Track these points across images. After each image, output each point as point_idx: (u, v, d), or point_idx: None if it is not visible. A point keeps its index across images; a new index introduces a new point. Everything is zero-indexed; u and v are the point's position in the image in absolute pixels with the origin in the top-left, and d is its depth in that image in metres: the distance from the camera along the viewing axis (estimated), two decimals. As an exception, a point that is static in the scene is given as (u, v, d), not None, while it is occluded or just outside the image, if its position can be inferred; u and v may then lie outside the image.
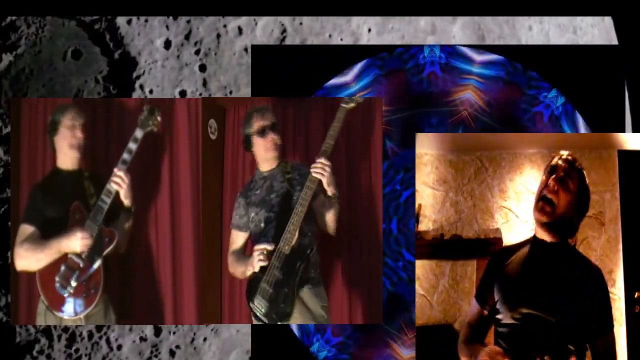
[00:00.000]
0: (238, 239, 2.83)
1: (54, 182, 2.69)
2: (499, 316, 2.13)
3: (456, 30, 2.73)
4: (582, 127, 2.67)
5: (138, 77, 2.58)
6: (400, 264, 2.69)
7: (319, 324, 2.66)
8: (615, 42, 2.92)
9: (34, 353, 2.55)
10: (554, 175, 2.10)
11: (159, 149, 3.09)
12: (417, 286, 2.95)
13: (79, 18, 2.49)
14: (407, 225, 2.69)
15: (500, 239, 3.02)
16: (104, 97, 2.59)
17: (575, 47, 2.80)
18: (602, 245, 3.00)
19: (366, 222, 3.12)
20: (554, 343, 2.05)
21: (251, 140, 2.79)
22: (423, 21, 2.68)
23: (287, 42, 2.65)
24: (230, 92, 2.68)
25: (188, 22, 2.53)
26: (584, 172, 2.15)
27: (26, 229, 2.59)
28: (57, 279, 2.57)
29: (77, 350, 2.57)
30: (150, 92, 2.61)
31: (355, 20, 2.57)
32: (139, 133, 2.70)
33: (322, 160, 2.58)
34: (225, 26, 2.58)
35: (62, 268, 2.58)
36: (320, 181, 2.58)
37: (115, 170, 2.64)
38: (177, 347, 2.62)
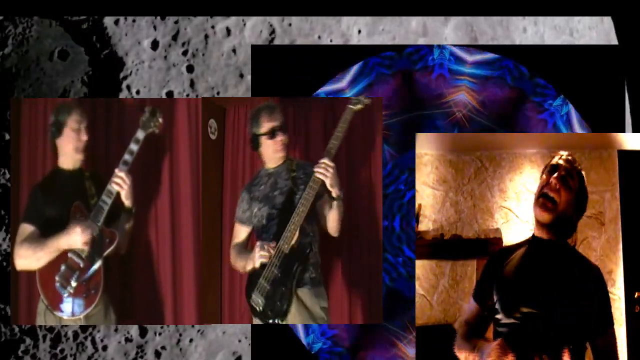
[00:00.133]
0: (241, 232, 2.84)
1: (54, 182, 2.69)
2: (498, 316, 2.13)
3: (448, 32, 2.73)
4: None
5: (125, 78, 2.58)
6: (400, 260, 2.69)
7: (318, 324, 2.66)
8: (613, 43, 2.92)
9: (19, 353, 2.55)
10: (555, 174, 2.11)
11: (159, 149, 3.09)
12: (417, 286, 2.95)
13: (66, 18, 2.49)
14: (409, 223, 2.69)
15: (500, 239, 3.02)
16: (91, 97, 2.58)
17: (575, 47, 2.80)
18: (602, 245, 3.00)
19: (366, 222, 3.12)
20: (553, 342, 2.05)
21: (259, 141, 2.77)
22: (414, 22, 2.68)
23: (276, 43, 2.64)
24: (218, 93, 2.67)
25: (176, 22, 2.52)
26: (583, 173, 2.16)
27: (26, 229, 2.58)
28: (57, 278, 2.57)
29: (62, 351, 2.57)
30: (137, 92, 2.60)
31: (345, 21, 2.56)
32: (140, 134, 2.69)
33: (326, 160, 2.57)
34: (213, 27, 2.57)
35: (63, 268, 2.58)
36: (323, 182, 2.58)
37: (117, 171, 2.64)
38: (163, 348, 2.61)
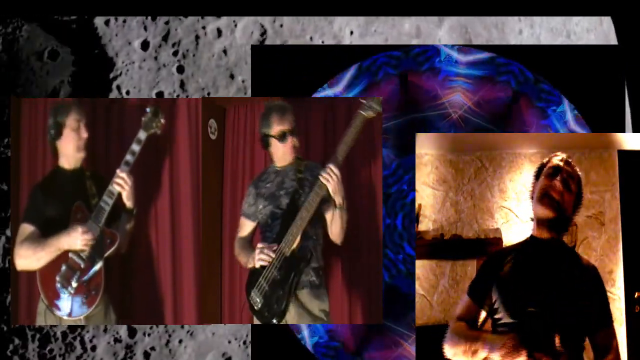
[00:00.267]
0: (246, 226, 2.83)
1: (54, 182, 2.69)
2: (498, 315, 2.13)
3: (442, 34, 2.72)
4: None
5: (115, 78, 2.57)
6: (400, 257, 2.70)
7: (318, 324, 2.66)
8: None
9: (8, 353, 2.54)
10: (558, 177, 2.14)
11: (159, 149, 3.09)
12: (417, 286, 2.95)
13: (56, 18, 2.48)
14: (412, 222, 2.70)
15: (500, 239, 3.02)
16: (80, 97, 2.58)
17: (575, 48, 2.80)
18: (602, 245, 3.00)
19: (366, 221, 3.12)
20: (553, 341, 2.06)
21: (269, 141, 2.75)
22: (407, 24, 2.67)
23: (267, 44, 2.63)
24: (209, 94, 2.67)
25: (166, 23, 2.51)
26: (581, 174, 2.19)
27: (26, 229, 2.58)
28: (57, 278, 2.57)
29: (51, 351, 2.56)
30: (127, 93, 2.60)
31: (338, 22, 2.56)
32: (142, 135, 2.68)
33: (331, 166, 2.55)
34: (204, 28, 2.56)
35: (63, 268, 2.58)
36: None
37: (118, 171, 2.63)
38: (152, 348, 2.61)
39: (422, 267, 3.01)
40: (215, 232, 3.38)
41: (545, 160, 2.23)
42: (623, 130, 2.76)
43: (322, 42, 2.64)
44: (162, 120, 2.71)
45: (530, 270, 2.16)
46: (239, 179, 3.39)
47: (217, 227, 3.40)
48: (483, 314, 2.17)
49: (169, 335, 2.63)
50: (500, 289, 2.15)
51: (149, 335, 2.61)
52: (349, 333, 2.70)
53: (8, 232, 2.59)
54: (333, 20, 2.59)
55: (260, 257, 2.59)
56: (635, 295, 2.91)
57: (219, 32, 2.55)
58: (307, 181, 2.68)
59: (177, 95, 2.65)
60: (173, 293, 3.09)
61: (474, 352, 2.10)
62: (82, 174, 2.71)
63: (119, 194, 2.63)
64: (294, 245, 2.58)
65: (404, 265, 2.70)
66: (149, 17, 2.50)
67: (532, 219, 2.23)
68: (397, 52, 2.68)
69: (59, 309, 2.57)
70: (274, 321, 2.58)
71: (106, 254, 2.61)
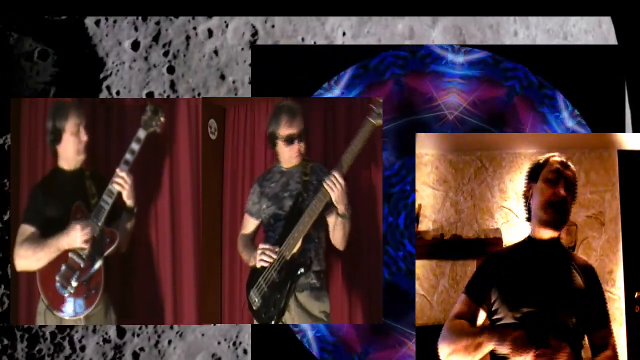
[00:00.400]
0: (249, 224, 2.83)
1: (54, 182, 2.68)
2: (498, 315, 2.13)
3: (436, 35, 2.72)
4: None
5: (105, 79, 2.57)
6: (400, 254, 2.70)
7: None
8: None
9: None
10: (560, 183, 2.15)
11: (159, 149, 3.09)
12: (417, 286, 2.95)
13: (47, 18, 2.47)
14: (414, 221, 2.70)
15: (500, 239, 3.01)
16: (71, 98, 2.57)
17: (575, 48, 2.80)
18: (602, 245, 3.00)
19: (366, 221, 3.12)
20: (552, 340, 2.07)
21: (276, 142, 2.72)
22: (400, 25, 2.66)
23: (270, 44, 2.63)
24: (199, 94, 2.67)
25: (157, 23, 2.50)
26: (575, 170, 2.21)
27: (26, 229, 2.58)
28: (57, 278, 2.57)
29: (39, 351, 2.56)
30: (117, 93, 2.60)
31: (330, 23, 2.55)
32: (141, 133, 2.67)
33: (335, 174, 2.54)
34: (195, 28, 2.56)
35: (63, 268, 2.58)
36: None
37: (118, 170, 2.63)
38: (141, 349, 2.61)
39: (422, 267, 3.01)
40: (215, 232, 3.38)
41: (541, 160, 2.23)
42: (623, 130, 2.76)
43: (314, 42, 2.64)
44: (162, 119, 2.71)
45: (529, 270, 2.16)
46: (239, 179, 3.39)
47: (217, 227, 3.40)
48: (482, 314, 2.17)
49: (158, 336, 2.62)
50: (500, 289, 2.15)
51: (138, 335, 2.60)
52: (354, 334, 2.70)
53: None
54: (325, 21, 2.59)
55: (262, 258, 2.59)
56: (635, 295, 2.91)
57: (210, 32, 2.54)
58: (311, 185, 2.66)
59: (168, 96, 2.65)
60: (173, 293, 3.09)
61: (478, 346, 2.09)
62: (81, 174, 2.70)
63: (119, 193, 2.63)
64: (295, 250, 2.58)
65: (404, 263, 2.70)
66: (140, 18, 2.50)
67: (527, 220, 2.24)
68: (404, 52, 2.68)
69: (62, 311, 2.56)
70: (272, 322, 2.58)
71: (106, 253, 2.61)
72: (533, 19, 2.80)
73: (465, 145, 3.01)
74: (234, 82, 2.62)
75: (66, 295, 2.57)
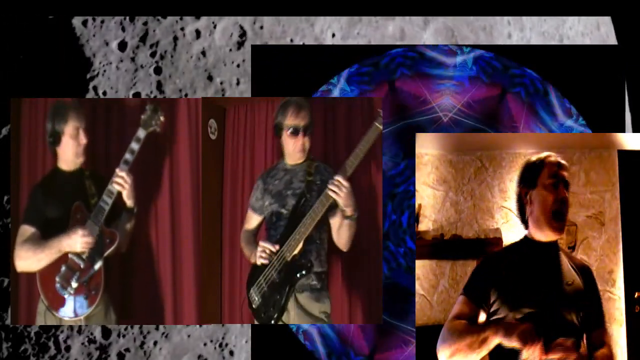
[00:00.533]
0: (252, 220, 2.83)
1: (54, 182, 2.68)
2: (499, 316, 2.13)
3: (427, 37, 2.71)
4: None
5: (92, 79, 2.56)
6: (401, 250, 2.70)
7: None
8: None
9: None
10: (561, 188, 2.14)
11: (159, 149, 3.09)
12: (417, 286, 2.95)
13: (34, 17, 2.46)
14: (414, 221, 2.71)
15: (500, 239, 3.01)
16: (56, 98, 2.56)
17: (575, 48, 2.80)
18: (602, 245, 3.00)
19: (366, 221, 3.12)
20: (552, 339, 2.08)
21: (281, 132, 2.69)
22: (391, 26, 2.66)
23: (247, 46, 2.62)
24: (186, 95, 2.67)
25: (144, 24, 2.50)
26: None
27: (26, 230, 2.58)
28: (57, 279, 2.57)
29: (25, 351, 2.56)
30: (104, 93, 2.59)
31: (319, 24, 2.55)
32: (141, 133, 2.67)
33: (339, 179, 2.52)
34: (182, 29, 2.55)
35: (63, 268, 2.57)
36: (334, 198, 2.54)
37: (117, 170, 2.63)
38: (127, 350, 2.60)
39: (422, 267, 3.01)
40: (215, 232, 3.38)
41: (534, 162, 2.21)
42: (623, 130, 2.76)
43: (303, 44, 2.64)
44: (162, 118, 2.70)
45: (528, 270, 2.16)
46: (239, 179, 3.39)
47: (217, 227, 3.40)
48: (482, 316, 2.16)
49: (144, 337, 2.62)
50: (500, 290, 2.15)
51: (123, 336, 2.60)
52: (360, 335, 2.70)
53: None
54: (315, 22, 2.58)
55: (262, 256, 2.59)
56: (635, 295, 2.91)
57: (198, 33, 2.54)
58: (315, 185, 2.65)
59: (155, 97, 2.64)
60: (173, 293, 3.09)
61: (483, 341, 2.07)
62: (81, 174, 2.70)
63: (119, 193, 2.63)
64: (296, 251, 2.58)
65: (404, 259, 2.70)
66: (127, 18, 2.49)
67: (523, 223, 2.23)
68: (412, 53, 2.68)
69: (61, 311, 2.56)
70: (272, 322, 2.58)
71: (106, 254, 2.61)
72: (527, 21, 2.79)
73: (465, 145, 3.01)
74: (221, 83, 2.62)
75: (66, 296, 2.56)
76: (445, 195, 3.07)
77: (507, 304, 2.12)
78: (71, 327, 2.60)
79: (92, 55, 2.52)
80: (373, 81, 2.72)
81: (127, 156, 2.65)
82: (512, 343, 2.05)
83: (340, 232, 2.62)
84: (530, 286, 2.13)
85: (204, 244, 3.15)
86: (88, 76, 2.52)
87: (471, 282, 2.23)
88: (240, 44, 2.53)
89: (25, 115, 2.98)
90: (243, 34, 2.50)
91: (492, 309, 2.15)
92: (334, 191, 2.51)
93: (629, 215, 2.99)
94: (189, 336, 2.63)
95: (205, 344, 2.66)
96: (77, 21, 2.52)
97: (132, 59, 2.54)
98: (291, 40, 2.61)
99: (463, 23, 2.71)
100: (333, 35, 2.62)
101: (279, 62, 2.71)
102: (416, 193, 2.82)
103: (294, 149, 2.69)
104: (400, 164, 2.71)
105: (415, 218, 2.82)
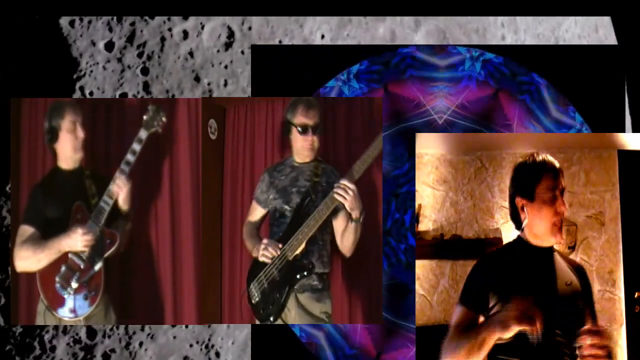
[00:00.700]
0: (256, 212, 2.83)
1: (54, 182, 2.68)
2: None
3: (418, 39, 2.71)
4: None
5: (79, 79, 2.56)
6: (402, 247, 2.71)
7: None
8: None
9: None
10: (559, 199, 2.13)
11: (159, 149, 3.09)
12: (417, 286, 2.95)
13: (21, 17, 2.45)
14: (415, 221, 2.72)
15: (500, 239, 3.01)
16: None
17: (575, 47, 2.80)
18: (602, 245, 2.99)
19: (366, 221, 3.12)
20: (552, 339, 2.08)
21: (290, 129, 2.69)
22: (382, 28, 2.65)
23: (235, 47, 2.61)
24: (173, 96, 2.66)
25: (132, 24, 2.49)
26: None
27: (26, 230, 2.58)
28: (57, 279, 2.57)
29: (10, 351, 2.55)
30: (91, 94, 2.59)
31: (308, 25, 2.54)
32: (143, 134, 2.66)
33: (346, 182, 2.51)
34: (170, 29, 2.55)
35: (63, 269, 2.57)
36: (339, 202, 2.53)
37: (117, 174, 2.62)
38: (112, 350, 2.60)
39: (422, 267, 3.01)
40: (215, 232, 3.38)
41: (531, 167, 2.16)
42: (623, 130, 2.76)
43: (292, 44, 2.63)
44: (164, 119, 2.70)
45: (526, 271, 2.15)
46: (239, 179, 3.39)
47: (217, 227, 3.40)
48: (482, 319, 2.15)
49: (129, 338, 2.62)
50: (500, 292, 2.13)
51: (109, 337, 2.60)
52: (368, 338, 2.71)
53: None
54: (304, 22, 2.58)
55: (264, 253, 2.59)
56: (635, 295, 2.91)
57: (186, 34, 2.53)
58: (320, 186, 2.65)
59: (142, 97, 2.64)
60: (173, 293, 3.09)
61: (482, 343, 2.05)
62: (81, 174, 2.70)
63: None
64: (298, 251, 2.58)
65: (405, 256, 2.71)
66: (115, 18, 2.48)
67: (518, 228, 2.21)
68: (421, 55, 2.68)
69: (61, 312, 2.56)
70: (271, 319, 2.58)
71: (106, 254, 2.61)
72: (522, 24, 2.79)
73: (465, 145, 3.01)
74: (209, 84, 2.61)
75: (66, 296, 2.56)
76: (445, 195, 3.06)
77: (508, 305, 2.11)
78: (56, 327, 2.59)
79: (79, 56, 2.51)
80: (383, 79, 2.72)
81: (129, 157, 2.64)
82: (514, 330, 2.02)
83: (345, 236, 2.61)
84: (527, 287, 2.12)
85: (204, 244, 3.15)
86: (75, 76, 2.51)
87: (467, 290, 2.19)
88: (228, 45, 2.53)
89: (25, 115, 2.98)
90: (231, 34, 2.49)
91: (490, 313, 2.14)
92: (340, 194, 2.51)
93: (629, 215, 2.99)
94: (174, 337, 2.63)
95: (191, 345, 2.65)
96: (64, 21, 2.51)
97: (119, 60, 2.54)
98: (280, 42, 2.61)
99: (455, 25, 2.70)
100: (322, 36, 2.62)
101: (279, 62, 2.71)
102: (416, 193, 2.82)
103: (302, 147, 2.69)
104: (404, 164, 2.71)
105: (415, 218, 2.82)
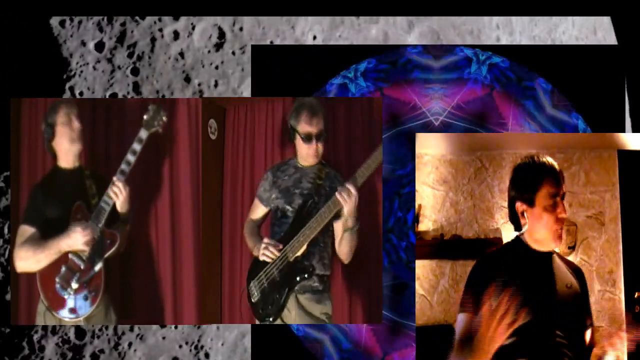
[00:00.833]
0: (258, 210, 2.82)
1: (54, 182, 2.68)
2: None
3: (412, 41, 2.70)
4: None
5: (69, 79, 2.55)
6: (403, 244, 2.71)
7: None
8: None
9: None
10: (560, 206, 2.11)
11: (159, 149, 3.09)
12: (417, 286, 2.95)
13: (11, 17, 2.45)
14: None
15: (500, 239, 3.01)
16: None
17: (575, 47, 2.80)
18: (602, 245, 2.99)
19: (366, 221, 3.12)
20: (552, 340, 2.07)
21: (295, 136, 2.68)
22: (374, 29, 2.65)
23: (226, 48, 2.61)
24: (163, 96, 2.66)
25: (122, 25, 2.49)
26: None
27: (26, 230, 2.57)
28: (57, 280, 2.57)
29: None
30: (81, 94, 2.58)
31: (300, 26, 2.54)
32: (143, 134, 2.65)
33: (350, 187, 2.51)
34: (161, 30, 2.54)
35: (63, 269, 2.57)
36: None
37: (115, 178, 2.60)
38: (101, 351, 2.60)
39: (422, 267, 3.01)
40: (215, 232, 3.38)
41: (531, 169, 2.14)
42: (623, 130, 2.76)
43: (283, 44, 2.63)
44: (165, 118, 2.69)
45: (526, 272, 2.15)
46: (239, 179, 3.40)
47: (217, 227, 3.40)
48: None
49: (118, 338, 2.61)
50: (499, 292, 2.13)
51: (98, 337, 2.59)
52: (372, 338, 2.71)
53: None
54: (295, 23, 2.57)
55: (264, 253, 2.59)
56: (635, 295, 2.91)
57: (176, 34, 2.53)
58: (323, 190, 2.65)
59: (132, 97, 2.64)
60: (173, 293, 3.09)
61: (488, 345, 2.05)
62: (81, 173, 2.70)
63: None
64: (299, 253, 2.57)
65: (405, 254, 2.71)
66: (105, 19, 2.48)
67: (517, 230, 2.20)
68: (428, 56, 2.68)
69: (62, 312, 2.56)
70: (270, 319, 2.58)
71: (106, 255, 2.61)
72: (517, 25, 2.78)
73: (465, 145, 3.01)
74: (199, 84, 2.61)
75: (66, 296, 2.56)
76: (445, 195, 3.06)
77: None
78: (45, 327, 2.59)
79: (69, 56, 2.51)
80: (390, 78, 2.71)
81: (129, 157, 2.63)
82: (503, 323, 2.02)
83: (342, 244, 2.62)
84: (528, 288, 2.12)
85: (204, 244, 3.15)
86: (65, 76, 2.51)
87: (466, 295, 2.16)
88: (219, 46, 2.53)
89: (25, 115, 2.98)
90: (222, 35, 2.49)
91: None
92: (342, 197, 2.51)
93: (629, 215, 2.99)
94: (164, 338, 2.63)
95: (180, 346, 2.65)
96: (54, 21, 2.50)
97: (109, 60, 2.54)
98: (271, 42, 2.61)
99: (449, 26, 2.70)
100: (314, 37, 2.61)
101: (279, 62, 2.71)
102: (416, 193, 2.83)
103: (307, 155, 2.69)
104: (407, 165, 2.72)
105: (415, 218, 2.83)
